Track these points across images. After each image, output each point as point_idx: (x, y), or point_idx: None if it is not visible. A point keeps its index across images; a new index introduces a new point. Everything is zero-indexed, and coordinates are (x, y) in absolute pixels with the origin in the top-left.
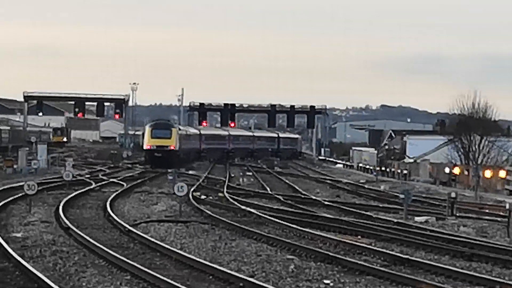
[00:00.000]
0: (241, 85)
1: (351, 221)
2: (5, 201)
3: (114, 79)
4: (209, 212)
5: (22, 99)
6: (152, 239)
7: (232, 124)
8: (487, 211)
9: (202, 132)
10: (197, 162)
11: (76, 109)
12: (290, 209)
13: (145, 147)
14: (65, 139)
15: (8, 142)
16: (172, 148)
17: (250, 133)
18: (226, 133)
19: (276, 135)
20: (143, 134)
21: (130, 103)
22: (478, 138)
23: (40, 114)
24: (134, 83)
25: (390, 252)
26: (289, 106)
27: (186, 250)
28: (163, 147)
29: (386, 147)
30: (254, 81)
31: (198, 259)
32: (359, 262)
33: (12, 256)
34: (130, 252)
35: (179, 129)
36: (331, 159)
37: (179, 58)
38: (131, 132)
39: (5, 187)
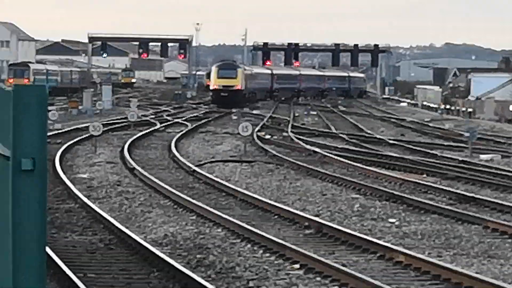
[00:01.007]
0: (304, 26)
1: (416, 160)
2: (71, 142)
3: (177, 20)
4: (274, 152)
5: (86, 41)
6: (217, 179)
7: (296, 64)
8: None
9: (274, 71)
10: (262, 101)
11: (140, 50)
12: (354, 148)
13: (211, 87)
14: (133, 80)
15: (79, 84)
16: (238, 87)
17: (321, 73)
18: (297, 72)
19: (346, 74)
20: (208, 74)
21: (193, 44)
22: None
23: (104, 55)
24: (198, 24)
25: (455, 191)
26: (352, 45)
27: (251, 190)
28: (228, 87)
29: (451, 85)
30: (318, 21)
31: (263, 199)
32: (424, 201)
33: (78, 197)
34: (195, 192)
35: (245, 69)
36: (395, 98)
37: None
38: (194, 72)
39: (71, 128)
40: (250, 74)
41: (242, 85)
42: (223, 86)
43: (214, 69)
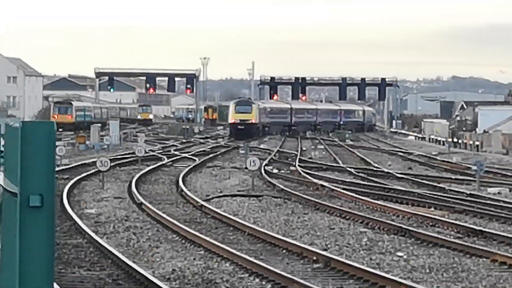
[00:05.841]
0: (311, 58)
1: (423, 193)
2: (78, 177)
3: (184, 54)
4: (282, 186)
5: (93, 76)
6: (225, 214)
7: (304, 98)
8: None
9: (265, 105)
10: (269, 136)
11: (147, 85)
12: (362, 182)
13: (229, 121)
14: (151, 116)
15: (107, 118)
16: (253, 121)
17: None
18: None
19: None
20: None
21: (201, 78)
22: None
23: (112, 90)
24: (205, 58)
25: (463, 224)
26: (359, 78)
27: (259, 224)
28: (245, 121)
29: (458, 118)
30: (324, 54)
31: (271, 233)
32: (432, 234)
33: (86, 232)
34: (203, 227)
35: (258, 105)
36: (403, 131)
37: (250, 32)
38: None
39: (78, 163)
40: (263, 109)
41: (257, 119)
42: (240, 120)
43: (232, 105)
